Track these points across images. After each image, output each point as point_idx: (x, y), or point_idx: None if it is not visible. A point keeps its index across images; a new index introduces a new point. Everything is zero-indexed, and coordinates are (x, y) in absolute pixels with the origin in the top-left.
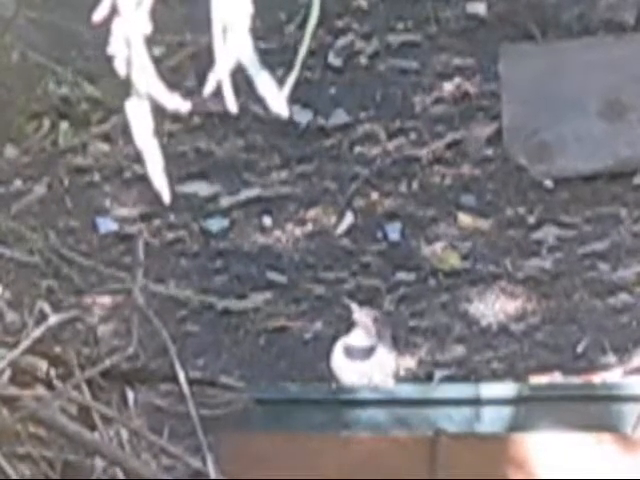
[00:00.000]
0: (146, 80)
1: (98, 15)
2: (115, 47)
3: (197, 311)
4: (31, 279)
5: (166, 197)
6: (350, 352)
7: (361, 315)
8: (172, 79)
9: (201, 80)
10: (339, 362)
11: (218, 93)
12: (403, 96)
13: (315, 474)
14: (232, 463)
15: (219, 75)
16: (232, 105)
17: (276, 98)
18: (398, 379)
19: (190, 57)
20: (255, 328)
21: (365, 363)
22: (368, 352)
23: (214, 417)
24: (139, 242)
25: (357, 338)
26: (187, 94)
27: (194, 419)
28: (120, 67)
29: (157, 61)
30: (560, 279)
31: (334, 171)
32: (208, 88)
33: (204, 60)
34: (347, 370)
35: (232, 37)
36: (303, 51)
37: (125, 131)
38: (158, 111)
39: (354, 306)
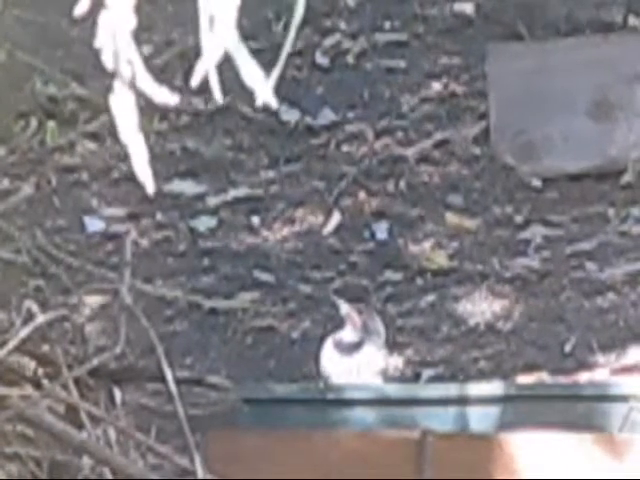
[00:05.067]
0: (134, 74)
1: (79, 9)
2: (102, 40)
3: (184, 310)
4: (18, 278)
5: (150, 191)
6: (339, 347)
7: (348, 310)
8: (160, 78)
9: (189, 79)
10: (328, 357)
11: (202, 91)
12: (390, 95)
13: (302, 473)
14: (219, 462)
15: (206, 66)
16: (218, 96)
17: (264, 89)
18: (386, 378)
19: (178, 56)
20: (243, 327)
21: (353, 358)
22: (356, 347)
23: (201, 416)
24: (127, 241)
25: (346, 333)
26: (174, 92)
27: (181, 418)
28: (107, 61)
29: (145, 60)
30: (547, 278)
31: (322, 170)
32: (195, 80)
33: (192, 59)
34: (335, 365)
35: (219, 28)
36: (287, 48)
37: (113, 130)
38: (145, 109)
39: (341, 302)
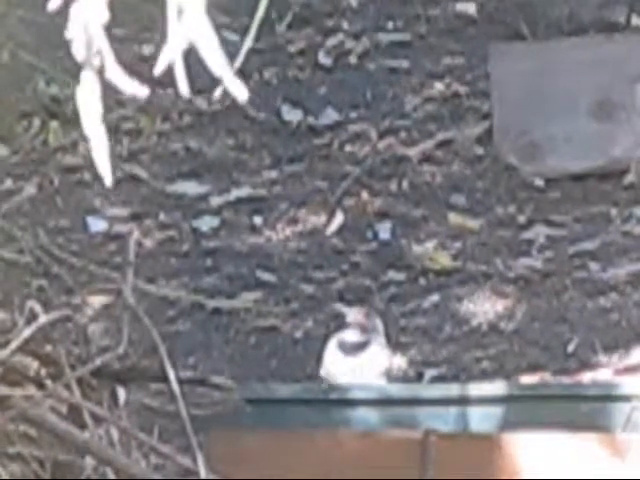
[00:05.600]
0: (105, 65)
1: (52, 4)
2: (73, 32)
3: (187, 310)
4: (21, 278)
5: (108, 182)
6: (343, 347)
7: (353, 315)
8: (161, 77)
9: (191, 78)
10: (332, 357)
11: (205, 91)
12: (393, 95)
13: (305, 473)
14: (222, 462)
15: (170, 56)
16: (184, 87)
17: (233, 80)
18: (389, 378)
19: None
20: (245, 327)
21: (357, 358)
22: (360, 347)
23: (204, 416)
24: (130, 241)
25: (350, 334)
26: (177, 93)
27: (184, 418)
28: (78, 52)
29: (147, 60)
30: (550, 278)
31: (324, 170)
32: (159, 69)
33: (194, 58)
34: (339, 366)
35: (187, 18)
36: (250, 39)
37: (116, 130)
38: (150, 110)
39: (345, 309)
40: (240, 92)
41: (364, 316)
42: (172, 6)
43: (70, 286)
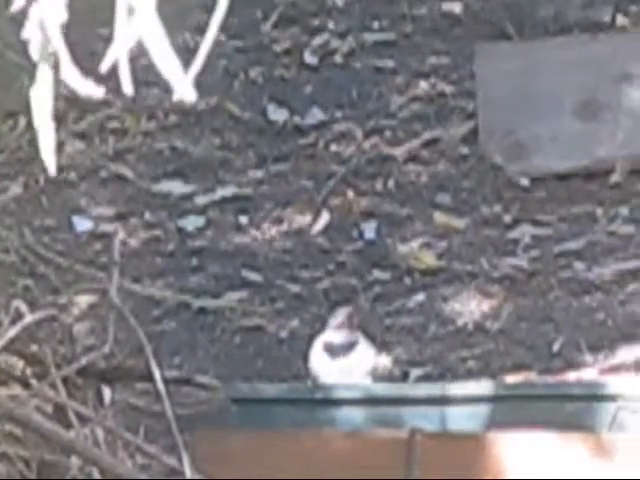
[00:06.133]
0: (60, 66)
1: (16, 6)
2: (30, 31)
3: (173, 310)
4: (7, 278)
5: (52, 171)
6: (330, 349)
7: (338, 315)
8: (149, 77)
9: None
10: (319, 358)
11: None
12: (379, 95)
13: (290, 473)
14: (208, 462)
15: (116, 55)
16: (128, 87)
17: (181, 82)
18: (375, 377)
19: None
20: (231, 327)
21: (344, 359)
22: (347, 348)
23: (190, 416)
24: (115, 241)
25: (337, 335)
26: (166, 91)
27: (170, 418)
28: (34, 51)
29: (134, 59)
30: (536, 278)
31: (310, 170)
32: (104, 67)
33: (182, 58)
34: (327, 367)
35: (137, 19)
36: (209, 41)
37: (101, 130)
38: (135, 109)
39: (330, 309)
40: (188, 93)
41: (349, 316)
42: (122, 4)
43: (56, 285)
